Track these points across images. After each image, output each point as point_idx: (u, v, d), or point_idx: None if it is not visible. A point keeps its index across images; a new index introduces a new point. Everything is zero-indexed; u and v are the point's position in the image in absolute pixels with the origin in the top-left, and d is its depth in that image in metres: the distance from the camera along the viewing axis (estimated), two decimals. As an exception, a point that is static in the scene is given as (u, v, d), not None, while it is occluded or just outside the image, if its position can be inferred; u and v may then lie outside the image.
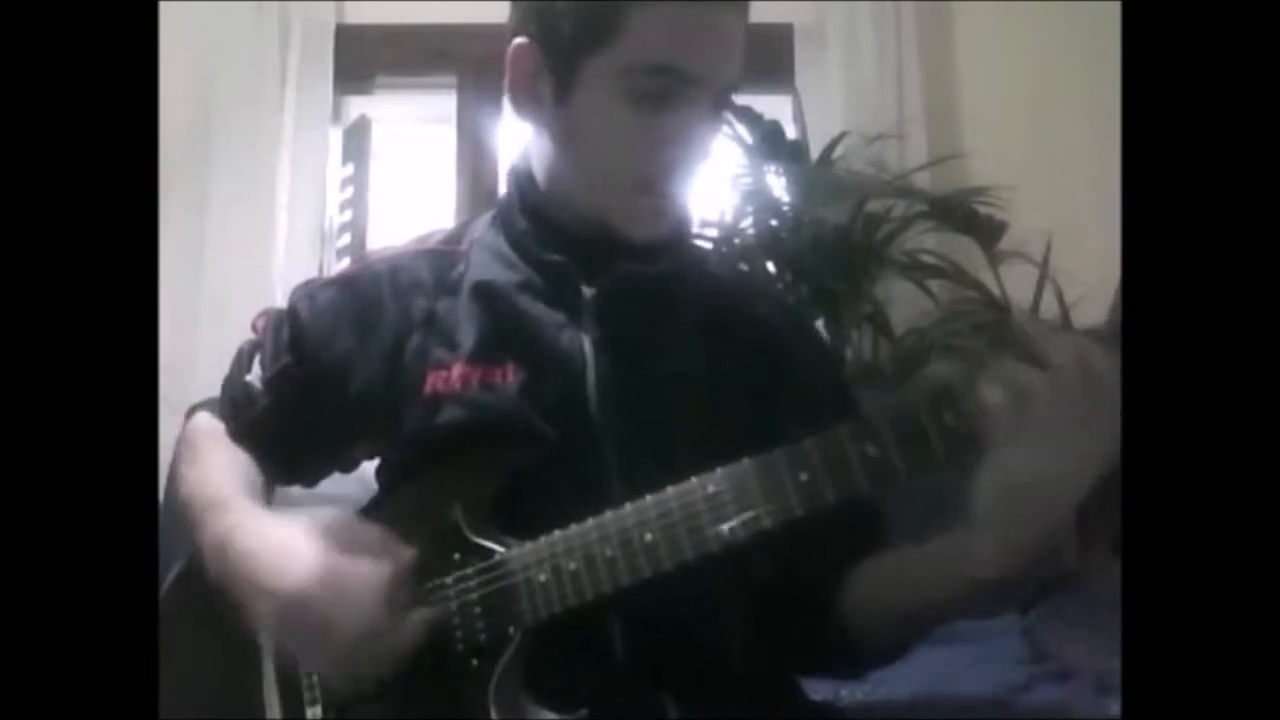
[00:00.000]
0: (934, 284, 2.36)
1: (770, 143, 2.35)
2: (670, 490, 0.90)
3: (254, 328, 1.18)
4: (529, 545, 0.94)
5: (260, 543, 0.96)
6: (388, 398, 1.03)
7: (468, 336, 1.03)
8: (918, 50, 2.54)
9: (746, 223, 2.37)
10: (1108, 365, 0.79)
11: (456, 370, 1.01)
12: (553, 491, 0.96)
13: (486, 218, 1.14)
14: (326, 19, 2.57)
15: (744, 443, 0.92)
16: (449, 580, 0.95)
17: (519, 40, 1.02)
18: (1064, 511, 0.81)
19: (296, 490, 1.19)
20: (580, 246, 1.04)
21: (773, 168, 2.36)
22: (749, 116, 2.33)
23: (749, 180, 2.36)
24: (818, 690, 1.11)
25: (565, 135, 1.03)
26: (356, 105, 2.72)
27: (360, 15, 2.61)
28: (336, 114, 2.64)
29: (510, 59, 1.03)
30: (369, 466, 1.13)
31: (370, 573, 0.91)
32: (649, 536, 0.90)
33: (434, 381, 1.01)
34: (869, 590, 1.01)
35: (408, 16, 2.60)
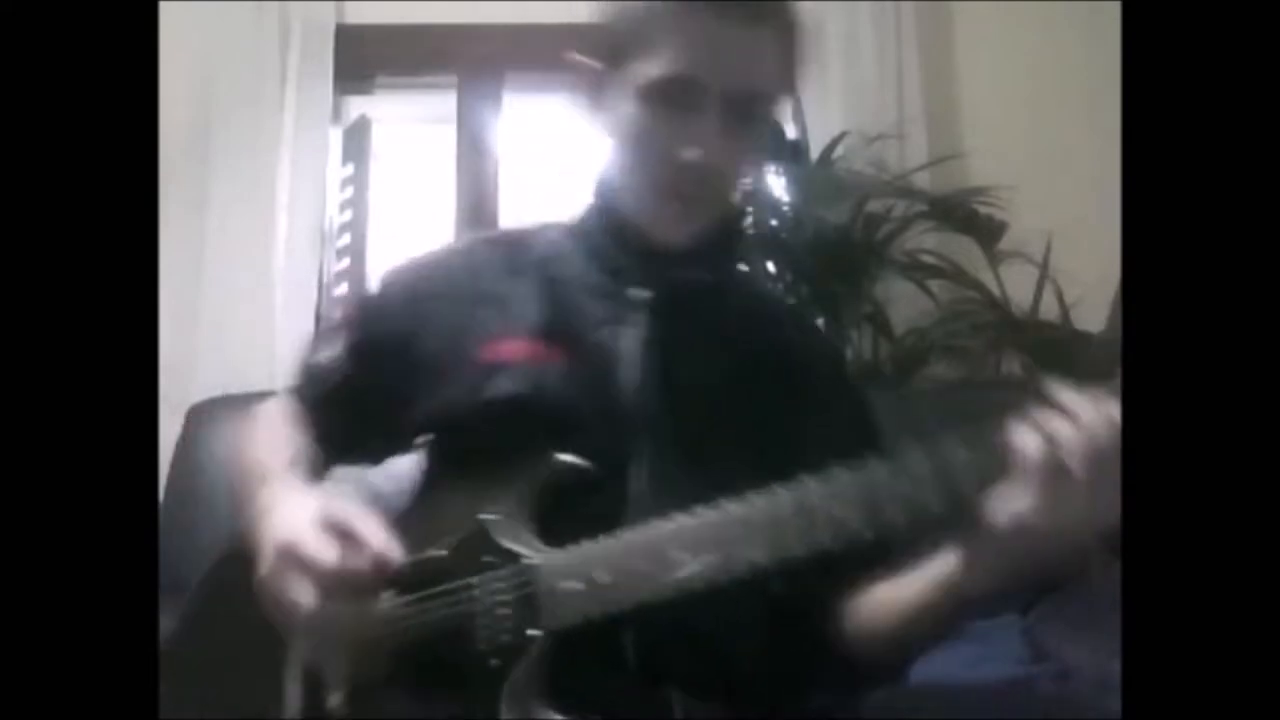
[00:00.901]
0: (934, 284, 2.36)
1: (770, 143, 2.35)
2: (703, 511, 0.92)
3: (333, 312, 1.25)
4: (560, 553, 0.96)
5: (278, 505, 1.00)
6: (448, 364, 1.08)
7: (529, 316, 1.08)
8: (918, 50, 2.54)
9: (746, 223, 2.37)
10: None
11: (514, 345, 1.06)
12: (580, 490, 0.99)
13: (565, 222, 1.20)
14: (326, 19, 2.56)
15: (771, 462, 0.95)
16: (477, 581, 0.97)
17: (584, 56, 1.11)
18: (1064, 555, 0.86)
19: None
20: (638, 250, 1.10)
21: (773, 168, 2.36)
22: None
23: (749, 180, 2.36)
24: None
25: (611, 143, 1.11)
26: (356, 105, 2.72)
27: (360, 15, 2.61)
28: (336, 114, 2.64)
29: (586, 79, 1.12)
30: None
31: (341, 559, 0.93)
32: (678, 555, 0.91)
33: (490, 352, 1.06)
34: (868, 610, 1.03)
35: (408, 16, 2.60)
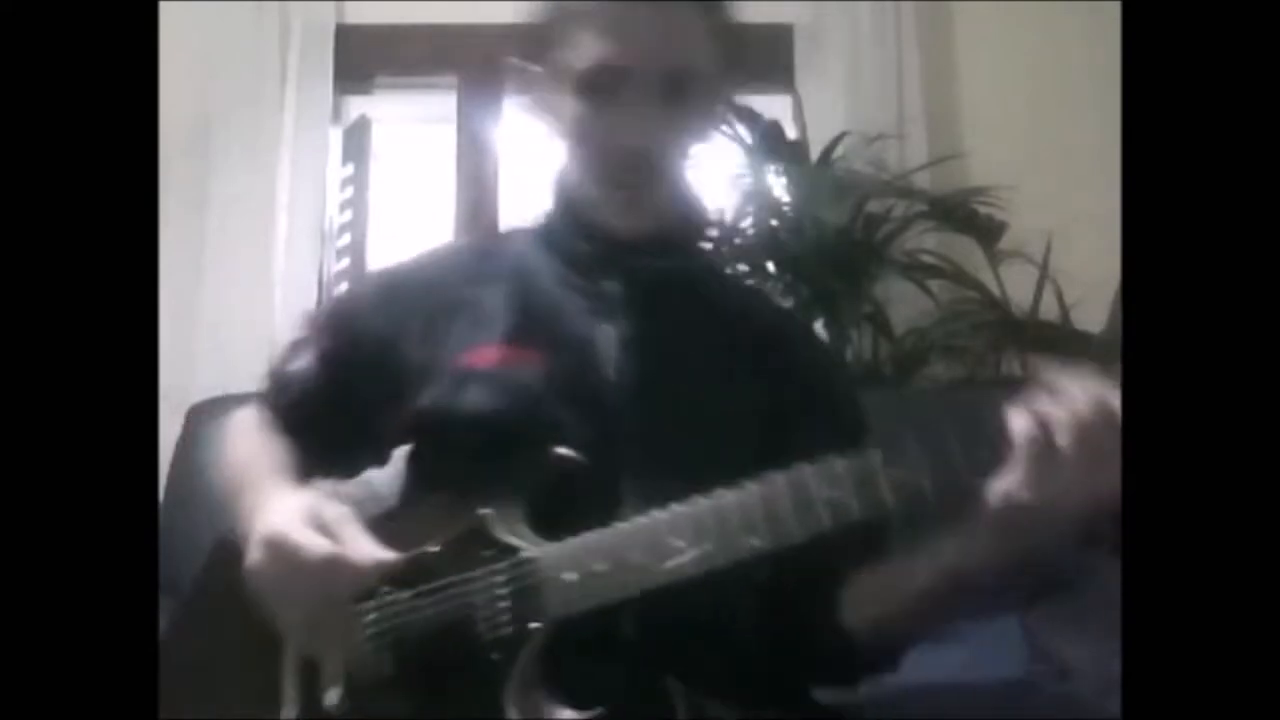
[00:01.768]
0: (934, 284, 2.35)
1: (770, 143, 2.35)
2: (699, 500, 0.93)
3: (304, 323, 1.23)
4: (557, 545, 0.96)
5: (267, 502, 1.00)
6: (422, 373, 1.08)
7: (502, 320, 1.09)
8: (918, 50, 2.54)
9: (746, 223, 2.37)
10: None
11: (488, 350, 1.07)
12: (569, 483, 0.99)
13: (532, 225, 1.20)
14: (326, 19, 2.56)
15: (753, 446, 0.97)
16: (476, 574, 0.97)
17: (529, 63, 1.15)
18: (1058, 535, 0.87)
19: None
20: (602, 243, 1.10)
21: (773, 168, 2.35)
22: (748, 116, 2.33)
23: (749, 180, 2.36)
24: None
25: (558, 140, 1.13)
26: (356, 105, 2.72)
27: (360, 15, 2.61)
28: (336, 114, 2.63)
29: (532, 83, 1.16)
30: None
31: (328, 554, 0.93)
32: (677, 543, 0.92)
33: (466, 359, 1.07)
34: (866, 595, 1.03)
35: (408, 16, 2.59)
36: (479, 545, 0.98)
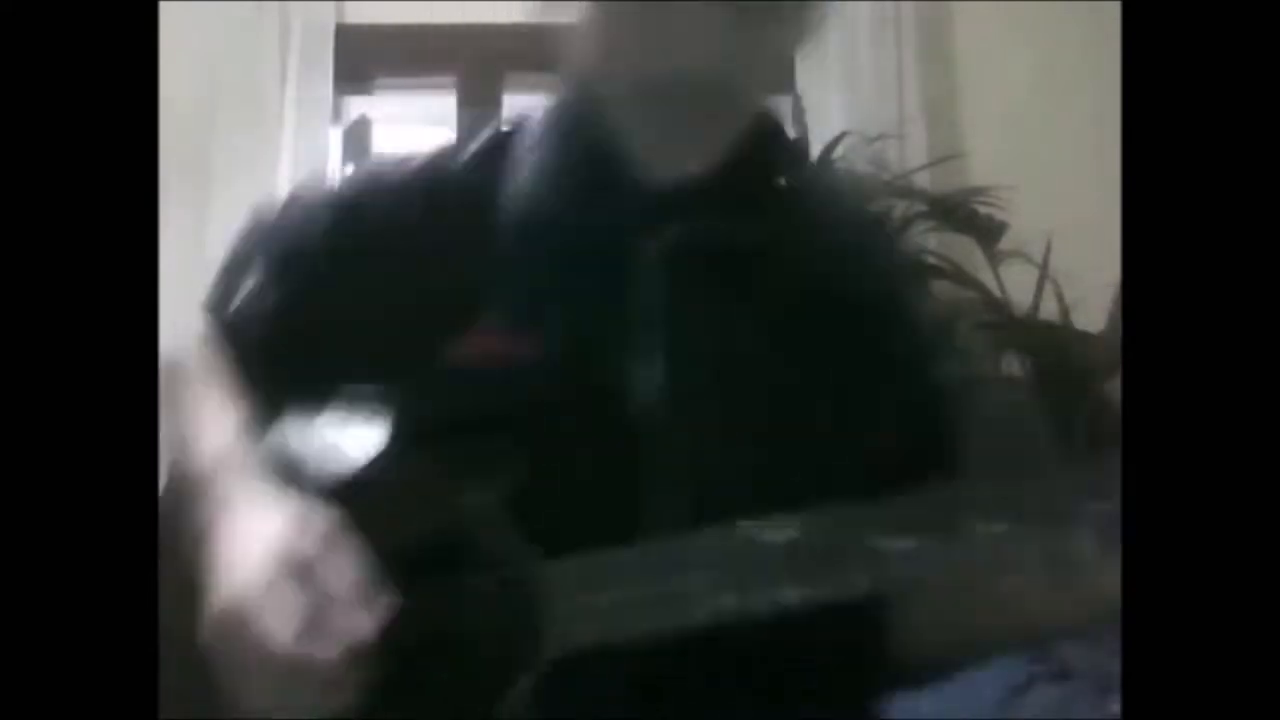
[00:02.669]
0: (934, 284, 2.35)
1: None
2: (739, 530, 0.76)
3: (240, 242, 1.05)
4: (561, 562, 0.79)
5: (226, 533, 0.83)
6: (404, 365, 0.87)
7: (497, 301, 0.86)
8: (918, 50, 2.54)
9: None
10: None
11: (483, 340, 0.84)
12: (578, 494, 0.82)
13: (528, 140, 0.94)
14: (326, 19, 2.57)
15: (807, 476, 0.81)
16: (467, 590, 0.82)
17: None
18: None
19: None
20: (635, 190, 0.85)
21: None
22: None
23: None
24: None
25: (582, 48, 0.88)
26: (356, 105, 2.72)
27: (360, 15, 2.61)
28: (336, 114, 2.64)
29: None
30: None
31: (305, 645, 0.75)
32: (697, 579, 0.76)
33: (454, 354, 0.85)
34: (917, 631, 0.88)
35: (408, 16, 2.60)
36: (465, 557, 0.82)
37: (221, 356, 0.96)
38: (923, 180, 2.40)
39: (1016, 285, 2.28)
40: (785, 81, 2.55)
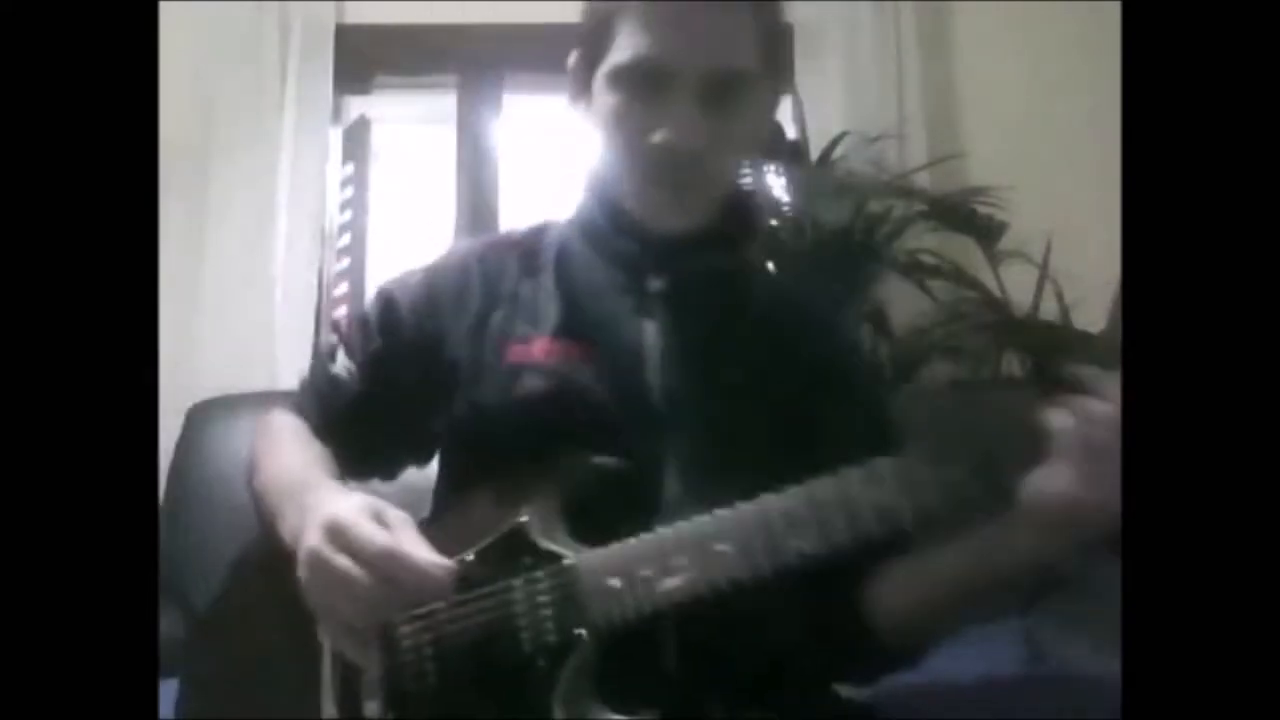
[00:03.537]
0: (934, 284, 2.36)
1: (770, 143, 2.35)
2: (746, 506, 0.92)
3: (336, 328, 1.22)
4: (600, 551, 0.95)
5: (324, 499, 0.95)
6: (472, 369, 1.08)
7: (549, 314, 1.08)
8: (918, 50, 2.54)
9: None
10: None
11: (538, 344, 1.07)
12: (612, 487, 0.99)
13: (569, 217, 1.19)
14: (326, 19, 2.56)
15: (795, 449, 0.96)
16: (518, 583, 0.96)
17: (572, 55, 1.12)
18: (1100, 529, 0.85)
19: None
20: (645, 241, 1.09)
21: (773, 168, 2.35)
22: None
23: (749, 180, 2.36)
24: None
25: (597, 136, 1.10)
26: (356, 105, 2.72)
27: (360, 15, 2.61)
28: (336, 114, 2.63)
29: (569, 73, 1.13)
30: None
31: (392, 544, 0.89)
32: (722, 547, 0.91)
33: (515, 353, 1.06)
34: (893, 587, 1.03)
35: (408, 16, 2.59)
36: (518, 552, 0.97)
37: (315, 422, 1.15)
38: (923, 180, 2.39)
39: (1016, 285, 2.28)
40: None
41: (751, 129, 1.10)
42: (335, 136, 2.64)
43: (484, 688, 0.95)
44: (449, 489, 1.13)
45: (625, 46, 1.03)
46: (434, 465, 1.19)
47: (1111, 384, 0.83)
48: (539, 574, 0.96)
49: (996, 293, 2.28)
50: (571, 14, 1.13)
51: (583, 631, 0.93)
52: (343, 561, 0.88)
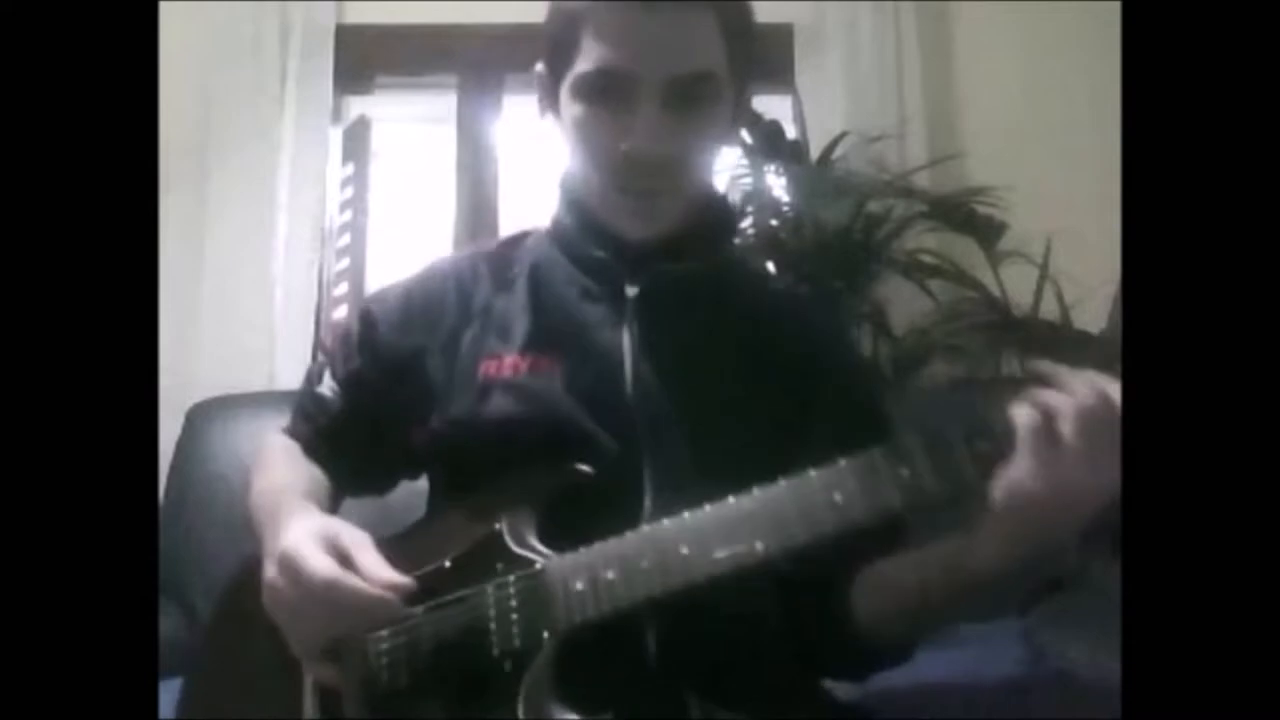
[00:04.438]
0: (934, 284, 2.36)
1: (770, 143, 2.35)
2: (707, 508, 0.92)
3: (322, 346, 1.25)
4: (568, 556, 0.96)
5: (288, 525, 1.00)
6: (446, 387, 1.09)
7: (520, 328, 1.09)
8: (918, 50, 2.54)
9: (746, 223, 2.37)
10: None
11: (508, 359, 1.08)
12: (590, 494, 0.99)
13: (543, 228, 1.20)
14: (326, 19, 2.56)
15: (776, 452, 0.95)
16: (489, 587, 0.97)
17: (538, 66, 1.11)
18: (1068, 527, 0.85)
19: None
20: (617, 248, 1.09)
21: (773, 168, 2.35)
22: (749, 116, 2.33)
23: (749, 180, 2.36)
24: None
25: (566, 145, 1.10)
26: (356, 105, 2.72)
27: (360, 15, 2.61)
28: (336, 114, 2.63)
29: (536, 84, 1.13)
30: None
31: (336, 575, 0.94)
32: (685, 550, 0.91)
33: (486, 368, 1.08)
34: (878, 588, 1.03)
35: (408, 16, 2.60)
36: (492, 558, 0.98)
37: (303, 443, 1.18)
38: (923, 180, 2.40)
39: (1016, 285, 2.28)
40: (785, 81, 2.56)
41: (719, 130, 1.08)
42: (335, 136, 2.64)
43: (455, 691, 0.96)
44: (432, 497, 1.15)
45: (589, 55, 1.03)
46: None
47: (1075, 378, 0.83)
48: (508, 578, 0.97)
49: (996, 293, 2.28)
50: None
51: (548, 634, 0.94)
52: (292, 593, 0.94)
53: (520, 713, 0.92)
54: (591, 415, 1.03)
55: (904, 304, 2.37)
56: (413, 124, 2.87)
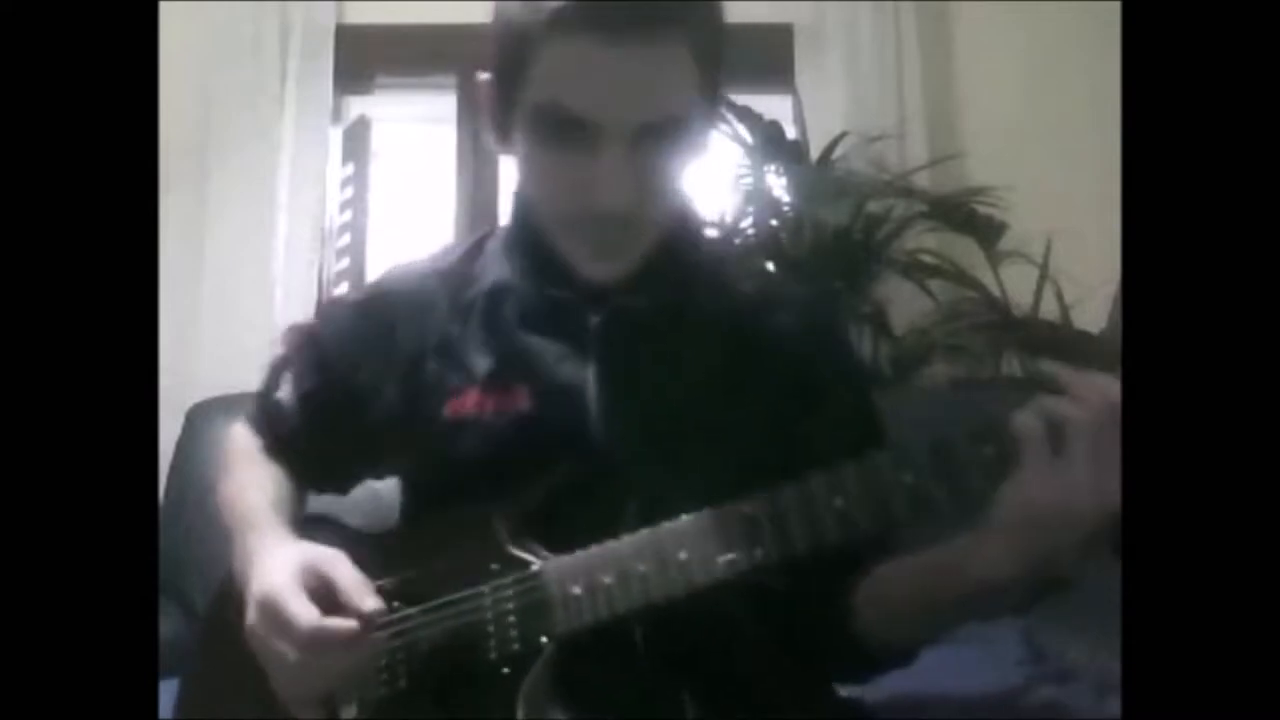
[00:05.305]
0: (934, 284, 2.36)
1: (770, 143, 2.35)
2: (707, 511, 0.90)
3: (282, 343, 1.23)
4: (565, 558, 0.94)
5: (260, 555, 1.00)
6: (408, 422, 1.06)
7: (480, 363, 1.05)
8: (918, 50, 2.54)
9: (746, 223, 2.37)
10: None
11: (472, 397, 1.04)
12: (579, 511, 0.97)
13: (499, 238, 1.14)
14: (326, 19, 2.57)
15: (768, 464, 0.92)
16: (486, 590, 0.96)
17: (483, 75, 1.01)
18: (1075, 534, 0.83)
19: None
20: (580, 287, 1.03)
21: (773, 168, 2.36)
22: (749, 117, 2.33)
23: (749, 180, 2.36)
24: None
25: (518, 170, 1.03)
26: (356, 105, 2.72)
27: (360, 15, 2.61)
28: (336, 114, 2.64)
29: (480, 93, 1.02)
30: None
31: (319, 621, 0.92)
32: (683, 554, 0.90)
33: (452, 407, 1.04)
34: (880, 592, 1.01)
35: (408, 16, 2.60)
36: (488, 559, 0.97)
37: (265, 443, 1.18)
38: (923, 180, 2.40)
39: (1016, 285, 2.28)
40: (785, 81, 2.56)
41: (690, 155, 0.98)
42: (335, 136, 2.64)
43: (452, 694, 0.96)
44: (415, 497, 1.13)
45: (544, 88, 0.92)
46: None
47: (1082, 385, 0.82)
48: (504, 580, 0.96)
49: (996, 293, 2.28)
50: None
51: (545, 638, 0.93)
52: (275, 644, 0.93)
53: (519, 715, 0.91)
54: (563, 448, 1.00)
55: (904, 304, 2.37)
56: (413, 124, 2.87)
